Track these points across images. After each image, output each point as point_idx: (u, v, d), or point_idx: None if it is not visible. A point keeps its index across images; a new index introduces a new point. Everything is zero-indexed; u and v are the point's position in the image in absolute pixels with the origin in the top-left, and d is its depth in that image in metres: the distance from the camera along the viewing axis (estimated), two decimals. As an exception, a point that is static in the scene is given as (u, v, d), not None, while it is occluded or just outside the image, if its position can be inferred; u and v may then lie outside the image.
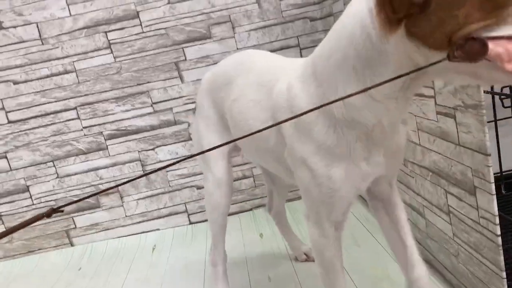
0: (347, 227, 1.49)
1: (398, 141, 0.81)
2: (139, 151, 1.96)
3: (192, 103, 1.94)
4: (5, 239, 1.97)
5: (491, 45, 0.54)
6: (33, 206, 1.96)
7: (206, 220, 2.01)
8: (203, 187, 1.99)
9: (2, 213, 1.95)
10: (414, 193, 1.29)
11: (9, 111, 1.89)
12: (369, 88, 0.61)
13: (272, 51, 1.92)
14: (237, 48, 1.92)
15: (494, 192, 0.88)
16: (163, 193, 2.00)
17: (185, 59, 1.91)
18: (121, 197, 1.99)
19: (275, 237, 1.72)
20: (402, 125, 0.82)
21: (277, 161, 0.94)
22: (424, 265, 0.92)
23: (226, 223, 1.25)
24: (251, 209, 2.04)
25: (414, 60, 0.62)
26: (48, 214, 0.63)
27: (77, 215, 1.98)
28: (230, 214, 2.01)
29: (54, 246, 2.00)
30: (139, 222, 2.01)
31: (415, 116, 1.17)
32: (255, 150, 1.04)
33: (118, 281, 1.62)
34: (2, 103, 1.88)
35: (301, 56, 1.94)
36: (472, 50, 0.55)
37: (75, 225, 1.99)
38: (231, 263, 1.58)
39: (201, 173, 1.99)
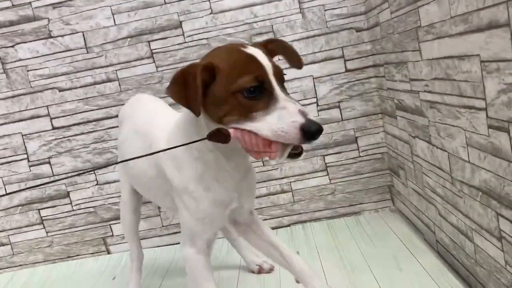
0: (389, 248, 1.41)
1: (249, 182, 1.09)
2: (177, 161, 1.94)
3: (232, 114, 1.90)
4: (45, 243, 2.00)
5: (233, 133, 0.88)
6: (73, 212, 1.98)
7: (242, 234, 1.96)
8: (240, 200, 1.95)
9: (44, 217, 1.98)
10: (462, 215, 1.18)
11: (54, 118, 1.93)
12: (176, 147, 0.98)
13: (315, 62, 1.87)
14: (279, 59, 1.87)
15: (553, 217, 0.78)
16: (200, 204, 1.97)
17: (226, 69, 1.89)
18: (159, 207, 1.97)
19: (312, 255, 1.64)
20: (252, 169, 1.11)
21: (161, 191, 1.16)
22: (310, 270, 1.12)
23: (136, 230, 1.52)
24: (288, 225, 1.97)
25: (209, 127, 0.93)
26: None
27: (115, 223, 1.98)
28: (267, 229, 1.96)
29: (91, 253, 2.01)
30: (175, 233, 1.98)
31: (464, 130, 1.07)
32: (142, 187, 1.28)
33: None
34: (48, 109, 1.92)
35: (346, 67, 1.87)
36: (219, 137, 0.89)
37: (112, 233, 1.99)
38: (265, 279, 1.52)
39: (238, 186, 1.95)
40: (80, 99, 1.92)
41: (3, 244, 2.01)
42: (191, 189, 1.02)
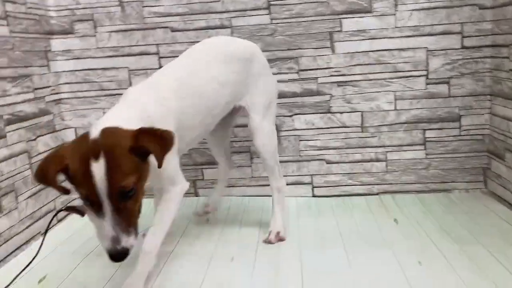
0: (493, 225, 1.32)
1: None
2: (276, 116, 1.96)
3: (339, 75, 1.90)
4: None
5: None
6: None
7: (330, 196, 1.99)
8: (334, 162, 1.96)
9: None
10: None
11: (162, 57, 1.94)
12: None
13: (432, 35, 1.85)
14: (395, 27, 1.86)
15: None
16: (291, 161, 1.99)
17: (341, 30, 1.88)
18: (251, 158, 2.00)
19: (411, 223, 1.65)
20: None
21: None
22: None
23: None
24: (377, 194, 1.99)
25: None
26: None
27: (207, 168, 2.02)
28: (354, 195, 1.98)
29: (179, 194, 2.05)
30: (264, 185, 2.01)
31: None
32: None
33: (252, 237, 1.63)
34: (158, 48, 1.94)
35: (462, 44, 1.84)
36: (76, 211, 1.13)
37: (203, 177, 2.03)
38: (374, 244, 1.54)
39: (334, 148, 1.96)
40: (191, 42, 1.92)
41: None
42: None
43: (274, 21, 1.89)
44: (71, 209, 1.12)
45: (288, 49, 1.90)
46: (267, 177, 1.62)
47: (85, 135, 1.02)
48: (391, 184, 1.97)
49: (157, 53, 1.94)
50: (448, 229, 1.59)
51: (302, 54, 1.90)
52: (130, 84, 1.97)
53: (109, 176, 0.96)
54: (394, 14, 1.85)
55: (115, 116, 1.11)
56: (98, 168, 0.95)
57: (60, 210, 1.16)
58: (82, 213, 1.10)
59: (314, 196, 2.01)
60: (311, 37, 1.89)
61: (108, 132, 1.01)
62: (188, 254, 1.52)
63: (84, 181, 0.96)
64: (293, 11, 1.88)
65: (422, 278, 1.27)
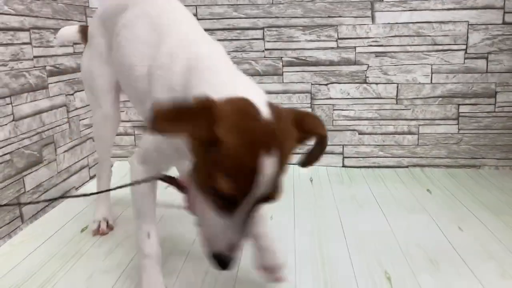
0: None
1: None
2: (312, 84, 1.96)
3: (378, 46, 1.90)
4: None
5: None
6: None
7: (361, 167, 2.00)
8: (366, 133, 1.97)
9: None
10: None
11: (200, 19, 1.93)
12: None
13: (474, 8, 1.84)
14: (438, -1, 1.85)
15: None
16: (324, 130, 1.99)
17: (382, 0, 1.87)
18: (284, 125, 2.00)
19: (445, 195, 1.67)
20: None
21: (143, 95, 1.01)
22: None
23: (111, 149, 1.43)
24: (407, 167, 2.00)
25: None
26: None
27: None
28: (383, 167, 1.99)
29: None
30: (294, 153, 2.02)
31: None
32: (130, 90, 1.09)
33: (286, 203, 1.65)
34: (196, 9, 1.93)
35: (503, 20, 1.83)
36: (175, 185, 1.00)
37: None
38: (411, 209, 1.57)
39: (368, 119, 1.96)
40: (230, 5, 1.91)
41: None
42: None
43: (315, -12, 1.88)
44: (170, 181, 0.93)
45: (328, 17, 1.89)
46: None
47: (250, 106, 0.70)
48: (421, 157, 1.98)
49: (195, 15, 1.93)
50: (485, 201, 1.61)
51: (342, 23, 1.90)
52: (167, 45, 1.96)
53: (275, 179, 0.68)
54: (437, -14, 1.84)
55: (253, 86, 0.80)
56: (270, 166, 0.67)
57: (159, 179, 0.95)
58: (183, 189, 0.91)
59: (343, 166, 2.02)
60: (352, 5, 1.88)
61: (277, 112, 0.71)
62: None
63: (240, 176, 0.67)
64: (335, -22, 1.87)
65: (464, 242, 1.29)
